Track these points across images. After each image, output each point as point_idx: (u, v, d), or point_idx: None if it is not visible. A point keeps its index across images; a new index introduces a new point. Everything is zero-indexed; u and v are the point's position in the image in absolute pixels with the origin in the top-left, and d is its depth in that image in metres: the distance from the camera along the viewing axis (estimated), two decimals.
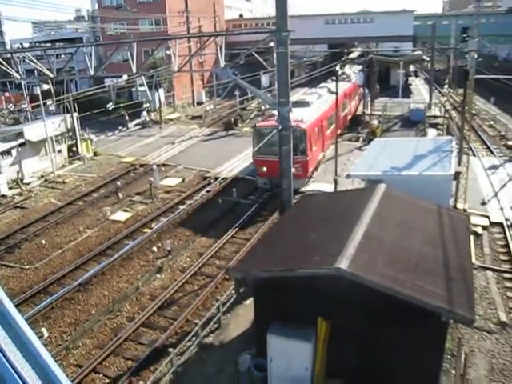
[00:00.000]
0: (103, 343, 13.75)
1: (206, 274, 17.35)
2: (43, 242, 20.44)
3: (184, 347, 12.92)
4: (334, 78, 37.43)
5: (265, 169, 23.18)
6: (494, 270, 16.03)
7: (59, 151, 31.50)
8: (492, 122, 39.15)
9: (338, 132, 30.17)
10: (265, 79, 43.84)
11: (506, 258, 16.85)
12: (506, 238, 18.19)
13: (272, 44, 21.44)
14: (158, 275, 17.43)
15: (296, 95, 31.62)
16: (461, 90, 29.45)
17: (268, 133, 21.30)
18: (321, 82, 38.40)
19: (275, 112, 24.30)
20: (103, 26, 50.86)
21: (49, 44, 53.85)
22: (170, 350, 12.34)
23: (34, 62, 21.68)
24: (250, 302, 13.84)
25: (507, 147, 31.36)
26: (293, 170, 20.64)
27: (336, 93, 23.30)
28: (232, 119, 41.40)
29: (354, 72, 43.57)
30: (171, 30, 48.79)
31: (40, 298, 16.07)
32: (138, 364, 12.63)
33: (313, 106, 26.80)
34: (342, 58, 45.30)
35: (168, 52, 35.72)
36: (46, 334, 14.00)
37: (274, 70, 18.42)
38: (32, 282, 17.14)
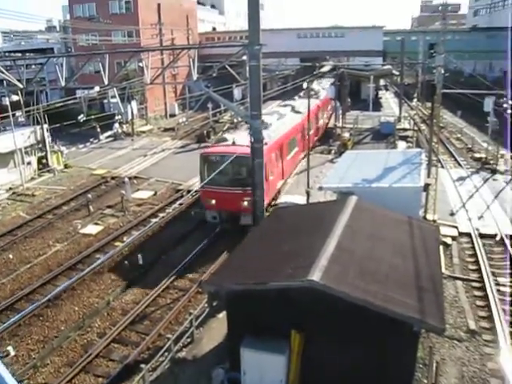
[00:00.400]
0: (73, 360, 13.40)
1: (179, 287, 17.17)
2: (11, 256, 19.90)
3: (156, 363, 12.70)
4: (301, 94, 37.35)
5: (213, 201, 20.54)
6: (463, 280, 16.38)
7: (28, 163, 30.84)
8: (459, 135, 40.24)
9: (301, 156, 28.80)
10: (237, 92, 44.02)
11: (474, 267, 17.23)
12: (473, 247, 18.61)
13: (244, 57, 21.55)
14: (130, 289, 17.17)
15: None
16: (429, 104, 30.20)
17: (217, 161, 19.73)
18: (293, 96, 38.40)
19: (226, 136, 22.43)
20: (75, 37, 50.37)
21: (19, 54, 53.00)
22: (142, 365, 12.11)
23: (2, 73, 21.26)
24: (223, 315, 13.74)
25: (474, 159, 32.23)
26: (244, 203, 19.41)
27: (308, 111, 23.03)
28: (205, 132, 41.40)
29: (322, 88, 42.47)
30: (144, 42, 48.68)
31: (7, 315, 15.57)
32: (108, 381, 12.34)
33: (272, 128, 22.70)
34: (314, 72, 45.83)
35: (141, 64, 35.49)
36: (12, 353, 13.56)
37: (247, 83, 18.53)
38: None
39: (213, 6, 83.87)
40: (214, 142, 24.22)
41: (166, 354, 12.84)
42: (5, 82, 35.80)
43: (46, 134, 32.13)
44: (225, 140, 21.78)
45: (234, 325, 11.27)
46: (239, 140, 20.42)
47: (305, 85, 34.57)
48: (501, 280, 16.14)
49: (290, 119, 27.74)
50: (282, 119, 26.83)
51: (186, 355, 13.07)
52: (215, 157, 20.40)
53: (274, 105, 35.84)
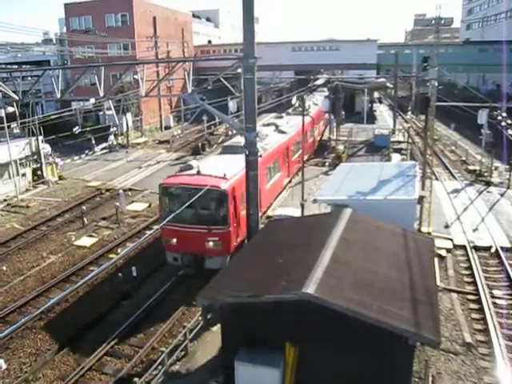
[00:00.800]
0: (65, 374, 13.25)
1: (173, 299, 17.05)
2: (4, 268, 19.75)
3: (150, 376, 12.56)
4: (289, 111, 36.55)
5: (174, 240, 17.60)
6: (458, 292, 16.36)
7: (23, 175, 30.80)
8: (453, 147, 40.51)
9: (286, 181, 26.97)
10: (232, 104, 44.18)
11: (469, 279, 17.23)
12: (468, 260, 18.63)
13: (240, 70, 21.59)
14: (124, 302, 17.03)
15: (231, 140, 25.24)
16: (423, 117, 30.41)
17: (179, 193, 17.39)
18: (287, 108, 38.23)
19: (192, 163, 19.27)
20: (71, 50, 50.56)
21: (15, 66, 53.08)
22: (136, 379, 12.00)
23: None
24: (217, 328, 13.62)
25: (468, 171, 32.41)
26: (209, 244, 17.13)
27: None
28: (200, 144, 41.54)
29: (313, 103, 40.65)
30: (139, 54, 48.91)
31: None
32: None
33: None
34: (308, 85, 46.01)
35: (136, 76, 35.67)
36: (3, 366, 13.37)
37: (242, 96, 18.57)
38: None
39: (208, 19, 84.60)
40: (176, 172, 19.83)
41: (160, 367, 12.72)
42: (0, 93, 35.86)
43: (43, 146, 32.13)
44: (189, 168, 18.72)
45: (228, 338, 11.18)
46: (205, 169, 18.08)
47: (293, 100, 34.24)
48: (496, 293, 16.14)
49: (272, 141, 24.81)
50: (263, 141, 23.22)
51: (180, 368, 12.95)
52: (176, 188, 17.78)
53: (259, 124, 32.53)
